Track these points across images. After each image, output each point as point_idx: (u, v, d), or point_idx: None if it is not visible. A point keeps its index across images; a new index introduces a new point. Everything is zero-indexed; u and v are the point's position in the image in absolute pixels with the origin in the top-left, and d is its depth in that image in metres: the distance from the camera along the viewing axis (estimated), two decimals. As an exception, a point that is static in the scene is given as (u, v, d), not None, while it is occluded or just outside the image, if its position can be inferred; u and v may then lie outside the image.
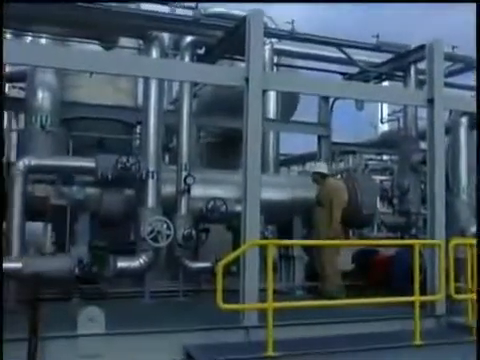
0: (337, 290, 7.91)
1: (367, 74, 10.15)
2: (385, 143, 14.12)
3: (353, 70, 10.53)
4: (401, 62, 9.68)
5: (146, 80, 7.79)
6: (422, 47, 8.13)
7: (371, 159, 18.12)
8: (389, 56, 9.76)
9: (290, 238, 8.67)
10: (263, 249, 5.99)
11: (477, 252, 5.90)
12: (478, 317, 5.20)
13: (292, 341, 5.78)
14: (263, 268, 5.79)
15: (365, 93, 7.61)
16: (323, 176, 8.53)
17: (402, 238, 9.99)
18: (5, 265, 6.70)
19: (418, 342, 5.80)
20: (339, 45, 9.07)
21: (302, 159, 18.05)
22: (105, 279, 7.55)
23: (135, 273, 7.65)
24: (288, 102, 11.26)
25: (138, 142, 11.21)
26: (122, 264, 7.39)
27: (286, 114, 11.32)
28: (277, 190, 8.85)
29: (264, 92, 6.94)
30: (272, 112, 10.41)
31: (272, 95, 10.33)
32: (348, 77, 10.63)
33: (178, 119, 8.31)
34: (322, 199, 8.39)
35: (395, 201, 10.26)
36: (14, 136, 10.12)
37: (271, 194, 8.50)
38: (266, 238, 8.20)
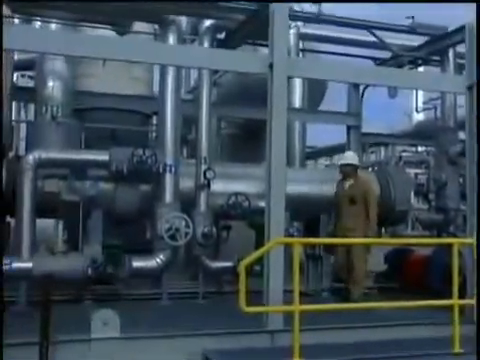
0: (359, 294, 7.69)
1: (401, 59, 10.04)
2: (420, 134, 13.98)
3: (385, 55, 10.42)
4: (438, 45, 9.56)
5: (162, 68, 7.80)
6: (461, 29, 8.00)
7: (405, 151, 17.92)
8: (425, 39, 9.64)
9: (317, 236, 8.62)
10: (288, 248, 5.96)
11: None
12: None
13: (320, 347, 5.74)
14: (288, 268, 5.76)
15: (399, 79, 7.50)
16: (355, 168, 8.12)
17: (439, 237, 9.87)
18: (15, 265, 6.82)
19: (457, 350, 5.71)
20: (370, 28, 8.98)
21: (330, 152, 17.97)
22: (120, 280, 7.60)
23: (152, 273, 7.68)
24: (315, 90, 11.19)
25: (154, 134, 11.27)
26: (138, 264, 7.43)
27: (313, 103, 11.26)
28: (303, 185, 8.82)
29: (289, 79, 6.89)
30: (298, 101, 10.37)
31: (298, 83, 10.29)
32: (380, 62, 10.53)
33: (197, 109, 8.30)
34: (355, 195, 7.97)
35: (431, 196, 10.15)
36: (23, 128, 10.23)
37: (297, 189, 8.46)
38: (291, 236, 8.18)
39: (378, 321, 6.35)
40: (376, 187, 8.22)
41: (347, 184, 8.09)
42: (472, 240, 6.42)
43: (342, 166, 8.13)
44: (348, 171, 8.05)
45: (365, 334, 6.21)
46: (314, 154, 17.98)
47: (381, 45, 9.45)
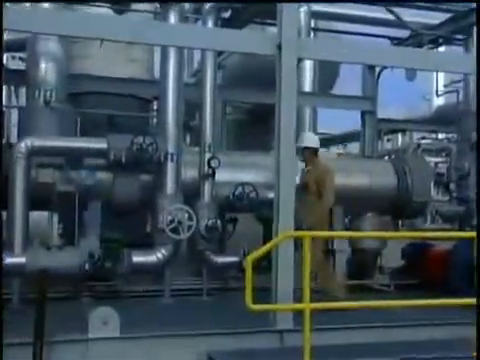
0: (334, 289, 7.34)
1: (420, 38, 9.97)
2: (441, 119, 13.91)
3: (404, 34, 10.37)
4: (461, 23, 9.48)
5: (163, 49, 7.78)
6: (486, 5, 7.94)
7: (424, 138, 17.89)
8: (447, 16, 9.57)
9: (330, 229, 8.62)
10: (298, 242, 5.96)
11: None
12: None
13: (332, 347, 5.76)
14: (298, 263, 5.77)
15: (418, 60, 7.45)
16: (313, 152, 7.60)
17: (461, 230, 9.85)
18: (7, 260, 6.85)
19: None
20: (387, 4, 8.92)
21: (343, 139, 17.94)
22: (119, 276, 7.63)
23: (153, 269, 7.71)
24: (327, 73, 11.16)
25: (155, 120, 11.27)
26: (138, 259, 7.46)
27: (324, 87, 11.23)
28: (314, 174, 8.79)
29: (299, 61, 6.86)
30: (308, 84, 10.34)
31: (308, 65, 10.25)
32: (398, 42, 10.48)
33: (201, 93, 8.30)
34: (308, 182, 7.53)
35: (452, 187, 10.13)
36: (15, 114, 10.25)
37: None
38: (302, 229, 8.18)
39: (394, 321, 6.36)
40: (332, 177, 7.59)
41: (306, 170, 7.74)
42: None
43: (303, 150, 7.57)
44: (305, 155, 7.62)
45: (380, 334, 6.23)
46: (326, 142, 17.93)
47: (399, 23, 9.40)
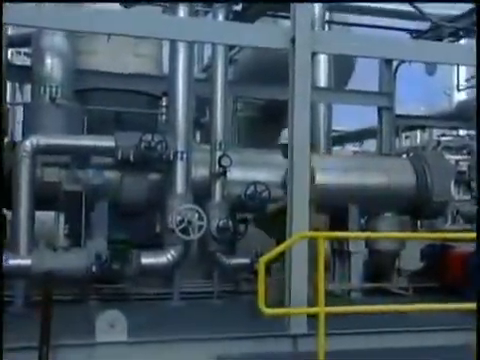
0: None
1: (440, 30, 9.92)
2: (462, 115, 13.80)
3: (423, 26, 10.31)
4: (483, 15, 9.40)
5: (173, 44, 7.80)
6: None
7: (444, 135, 17.78)
8: (468, 7, 9.50)
9: (344, 230, 8.61)
10: (313, 243, 5.96)
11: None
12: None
13: (347, 353, 5.75)
14: (313, 265, 5.76)
15: (438, 54, 7.42)
16: None
17: (482, 230, 9.77)
18: (12, 262, 6.90)
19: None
20: (405, -4, 8.88)
21: (359, 136, 17.88)
22: (127, 278, 7.67)
23: (162, 271, 7.74)
24: (342, 67, 11.12)
25: (164, 117, 11.29)
26: (147, 260, 7.49)
27: (340, 82, 11.20)
28: (329, 173, 8.79)
29: (313, 55, 6.85)
30: (323, 79, 10.30)
31: (323, 59, 10.22)
32: (417, 35, 10.43)
33: (211, 89, 8.31)
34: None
35: (474, 186, 10.06)
36: (19, 111, 10.31)
37: (322, 178, 8.43)
38: (316, 230, 8.17)
39: (412, 325, 6.33)
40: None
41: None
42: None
43: (283, 147, 7.59)
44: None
45: (398, 339, 6.21)
46: (341, 139, 17.89)
47: (418, 15, 9.34)
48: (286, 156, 7.49)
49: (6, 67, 7.81)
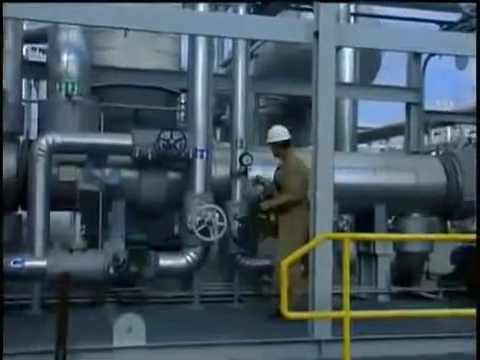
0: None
1: (472, 22, 9.82)
2: (494, 111, 13.66)
3: (454, 17, 10.23)
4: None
5: (192, 38, 7.81)
6: None
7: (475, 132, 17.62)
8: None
9: (371, 231, 8.58)
10: (337, 244, 5.93)
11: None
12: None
13: (373, 359, 5.73)
14: (337, 268, 5.75)
15: (469, 47, 7.34)
16: (282, 146, 7.43)
17: (516, 232, 9.68)
18: (27, 263, 6.97)
19: None
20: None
21: (386, 133, 17.78)
22: (145, 280, 7.70)
23: (181, 273, 7.77)
24: (368, 61, 11.08)
25: (183, 114, 11.33)
26: (165, 262, 7.51)
27: (366, 77, 11.15)
28: (355, 172, 8.76)
29: (338, 49, 6.83)
30: (348, 75, 10.27)
31: (348, 53, 10.19)
32: (447, 27, 10.34)
33: (232, 85, 8.31)
34: (279, 180, 7.43)
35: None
36: (34, 108, 10.39)
37: (347, 177, 8.41)
38: (341, 231, 8.15)
39: (443, 331, 6.28)
40: (301, 175, 7.21)
41: (277, 167, 7.66)
42: None
43: (271, 146, 7.52)
44: (275, 151, 7.53)
45: (428, 346, 6.16)
46: (367, 136, 17.81)
47: (449, 5, 9.27)
48: (276, 155, 7.56)
49: (21, 63, 7.88)
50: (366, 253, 8.99)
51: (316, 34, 6.12)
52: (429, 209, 9.27)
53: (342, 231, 8.18)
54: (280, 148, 7.48)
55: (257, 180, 7.71)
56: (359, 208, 8.87)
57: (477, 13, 6.50)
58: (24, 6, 5.52)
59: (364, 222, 8.86)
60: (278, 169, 7.59)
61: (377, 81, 12.17)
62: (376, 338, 6.09)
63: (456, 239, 9.78)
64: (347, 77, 10.30)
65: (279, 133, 7.51)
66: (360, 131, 13.33)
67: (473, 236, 8.16)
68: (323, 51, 6.13)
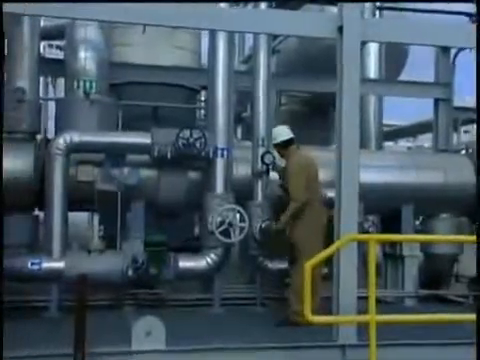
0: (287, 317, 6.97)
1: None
2: (526, 107, 13.53)
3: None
4: None
5: (212, 34, 7.83)
6: None
7: (507, 129, 17.45)
8: None
9: (397, 232, 8.54)
10: (363, 246, 5.92)
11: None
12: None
13: (401, 365, 5.72)
14: (363, 270, 5.74)
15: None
16: (284, 147, 7.33)
17: None
18: (45, 265, 7.05)
19: None
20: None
21: (413, 131, 17.68)
22: (165, 282, 7.73)
23: (201, 275, 7.79)
24: (394, 56, 11.02)
25: (203, 112, 11.35)
26: (185, 264, 7.55)
27: (392, 72, 11.09)
28: (381, 171, 8.73)
29: (363, 44, 6.81)
30: (373, 70, 10.23)
31: (373, 48, 10.14)
32: (477, 19, 10.24)
33: (253, 82, 8.31)
34: (285, 181, 7.32)
35: None
36: (52, 106, 10.48)
37: (373, 176, 8.39)
38: (366, 232, 8.11)
39: (471, 337, 6.23)
40: (306, 170, 7.13)
41: (282, 167, 7.58)
42: None
43: (275, 147, 7.48)
44: (280, 152, 7.44)
45: (455, 351, 6.12)
46: (394, 134, 17.73)
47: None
48: (281, 156, 7.50)
49: (38, 60, 7.95)
50: (392, 255, 8.94)
51: (340, 29, 6.11)
52: (458, 209, 9.19)
53: (367, 232, 8.14)
54: (283, 149, 7.36)
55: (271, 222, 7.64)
56: (385, 208, 8.82)
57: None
58: (40, 2, 5.57)
59: (390, 223, 8.82)
60: (284, 169, 7.46)
61: (404, 77, 12.08)
62: (403, 343, 6.07)
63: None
64: (372, 73, 10.25)
65: (280, 133, 7.38)
66: (386, 129, 13.28)
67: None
68: (347, 46, 6.12)
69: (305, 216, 7.01)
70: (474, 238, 8.65)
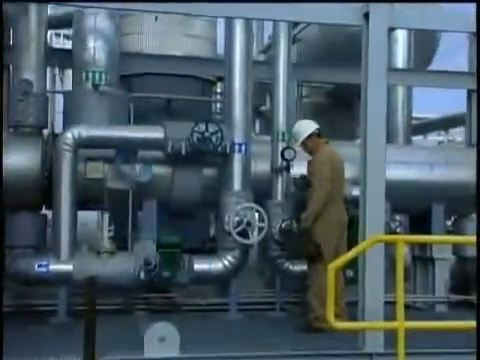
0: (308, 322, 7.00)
1: None
2: None
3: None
4: None
5: (228, 22, 7.84)
6: None
7: None
8: None
9: (427, 233, 8.50)
10: (390, 247, 5.90)
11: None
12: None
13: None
14: (390, 273, 5.72)
15: None
16: (308, 141, 7.31)
17: None
18: (52, 267, 7.10)
19: None
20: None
21: (445, 124, 17.55)
22: (178, 286, 7.76)
23: (217, 279, 7.80)
24: (424, 45, 10.96)
25: (220, 104, 11.36)
26: (200, 267, 7.56)
27: (422, 62, 11.03)
28: (409, 167, 8.69)
29: (390, 32, 6.78)
30: (402, 59, 10.18)
31: (401, 36, 10.09)
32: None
33: (272, 72, 8.32)
34: (309, 177, 7.32)
35: None
36: (60, 99, 10.54)
37: (401, 173, 8.36)
38: (394, 233, 8.09)
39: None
40: (331, 165, 7.12)
41: (308, 162, 7.53)
42: None
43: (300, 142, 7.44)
44: (306, 146, 7.37)
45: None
46: (423, 128, 17.61)
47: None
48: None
49: (45, 51, 8.00)
50: (422, 257, 8.91)
51: (366, 15, 6.09)
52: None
53: (395, 233, 8.12)
54: (310, 142, 7.29)
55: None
56: (414, 207, 8.80)
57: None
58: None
59: (420, 223, 8.79)
60: (309, 164, 7.40)
61: (434, 66, 12.01)
62: (433, 352, 6.05)
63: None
64: (400, 62, 10.21)
65: (304, 130, 7.30)
66: (415, 122, 13.20)
67: None
68: (374, 34, 6.10)
69: (328, 214, 7.00)
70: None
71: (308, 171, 7.38)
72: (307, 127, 7.35)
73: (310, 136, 7.27)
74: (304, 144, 7.32)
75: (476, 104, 6.84)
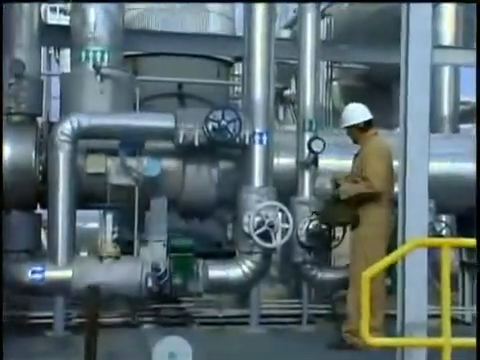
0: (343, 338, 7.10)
1: None
2: None
3: None
4: None
5: (248, -6, 7.85)
6: None
7: None
8: None
9: (478, 236, 8.46)
10: (434, 253, 5.88)
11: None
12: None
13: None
14: (434, 283, 5.71)
15: None
16: (359, 129, 7.52)
17: None
18: (48, 274, 7.13)
19: None
20: None
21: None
22: (191, 295, 7.78)
23: (235, 287, 7.82)
24: (474, 19, 10.90)
25: (237, 89, 11.37)
26: (216, 273, 7.57)
27: (471, 38, 10.97)
28: (456, 160, 8.66)
29: (435, 4, 6.76)
30: (448, 36, 10.14)
31: (448, 9, 10.05)
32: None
33: (298, 52, 8.32)
34: (357, 170, 7.52)
35: None
36: (56, 83, 10.58)
37: (447, 167, 8.33)
38: (439, 235, 8.07)
39: None
40: (384, 158, 7.32)
41: (355, 154, 7.76)
42: None
43: (347, 130, 7.72)
44: (353, 137, 7.68)
45: None
46: (473, 114, 17.52)
47: None
48: (355, 141, 7.63)
49: (39, 28, 8.03)
50: (471, 264, 8.88)
51: (406, -14, 6.08)
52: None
53: (440, 236, 8.10)
54: (359, 132, 7.49)
55: (334, 182, 7.62)
56: (462, 207, 8.75)
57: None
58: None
59: (469, 224, 8.73)
60: (356, 156, 7.56)
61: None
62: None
63: None
64: (447, 39, 10.17)
65: (358, 114, 7.51)
66: (463, 107, 13.12)
67: None
68: (416, 7, 6.08)
69: (372, 215, 7.03)
70: None
71: (355, 164, 7.46)
72: (362, 114, 7.47)
73: (363, 124, 7.40)
74: (351, 131, 7.41)
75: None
